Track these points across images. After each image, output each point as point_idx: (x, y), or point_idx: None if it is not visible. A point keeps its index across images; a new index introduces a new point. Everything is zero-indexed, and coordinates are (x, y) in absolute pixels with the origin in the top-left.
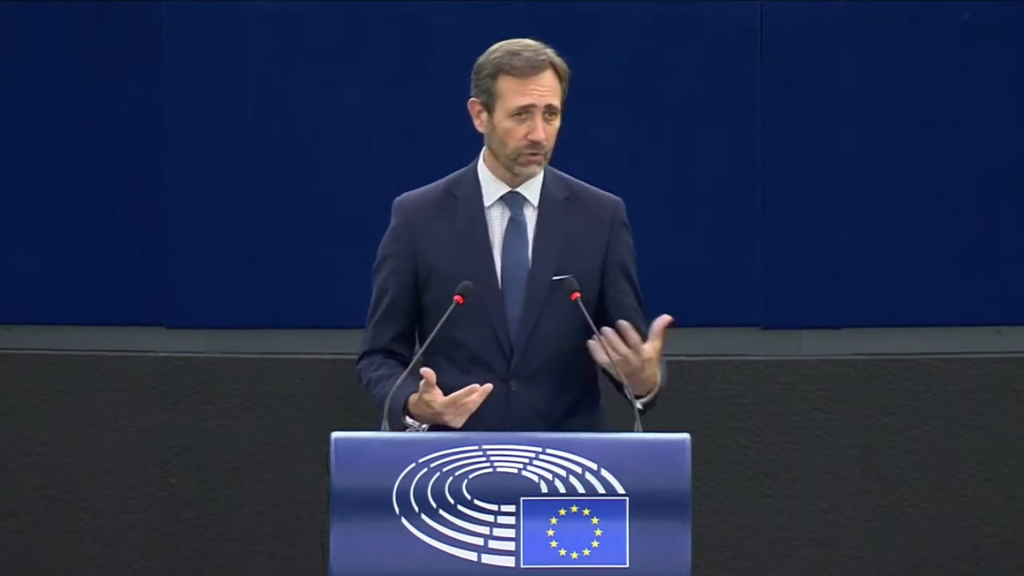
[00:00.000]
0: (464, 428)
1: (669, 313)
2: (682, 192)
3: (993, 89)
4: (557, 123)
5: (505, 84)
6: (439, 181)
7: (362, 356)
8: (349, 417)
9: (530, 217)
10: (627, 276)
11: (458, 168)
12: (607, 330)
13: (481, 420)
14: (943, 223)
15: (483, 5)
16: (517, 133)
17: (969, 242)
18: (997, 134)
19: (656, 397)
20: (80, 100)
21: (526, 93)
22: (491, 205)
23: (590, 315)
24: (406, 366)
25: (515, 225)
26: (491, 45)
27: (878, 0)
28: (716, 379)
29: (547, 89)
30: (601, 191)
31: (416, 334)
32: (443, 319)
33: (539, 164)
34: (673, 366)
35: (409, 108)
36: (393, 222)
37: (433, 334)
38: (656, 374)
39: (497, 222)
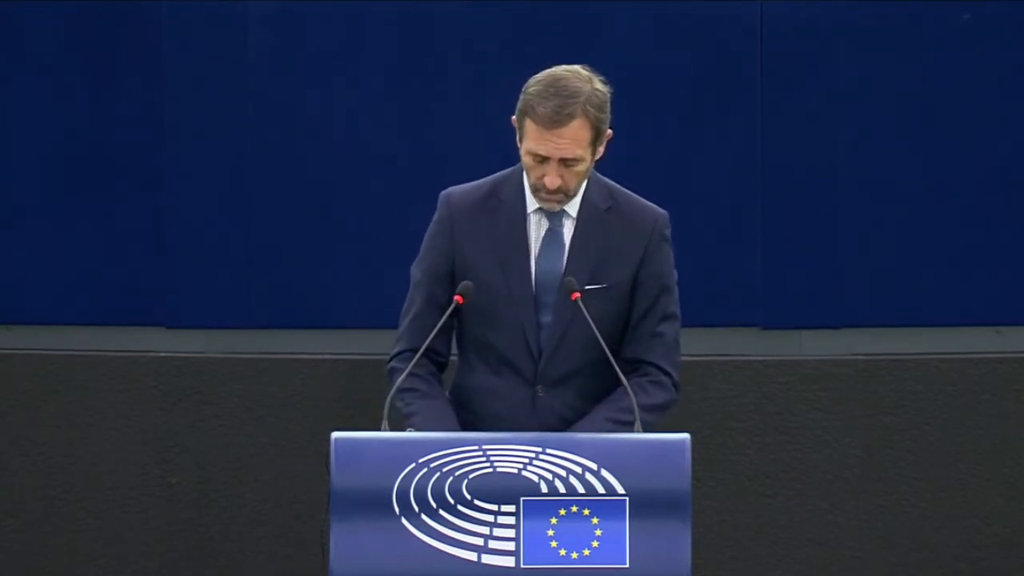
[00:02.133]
0: (492, 432)
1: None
2: (682, 192)
3: (993, 89)
4: (581, 167)
5: (528, 126)
6: (486, 179)
7: (398, 353)
8: (349, 417)
9: (568, 227)
10: (661, 292)
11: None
12: None
13: (508, 424)
14: (943, 223)
15: (483, 5)
16: (535, 172)
17: (969, 242)
18: (997, 134)
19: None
20: (80, 100)
21: (542, 143)
22: (532, 211)
23: (619, 327)
24: (442, 370)
25: (552, 234)
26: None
27: (878, 0)
28: (716, 379)
29: (566, 142)
30: (646, 202)
31: (452, 332)
32: (441, 320)
33: (557, 203)
34: None
35: (409, 108)
36: (437, 215)
37: (430, 338)
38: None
39: (535, 228)
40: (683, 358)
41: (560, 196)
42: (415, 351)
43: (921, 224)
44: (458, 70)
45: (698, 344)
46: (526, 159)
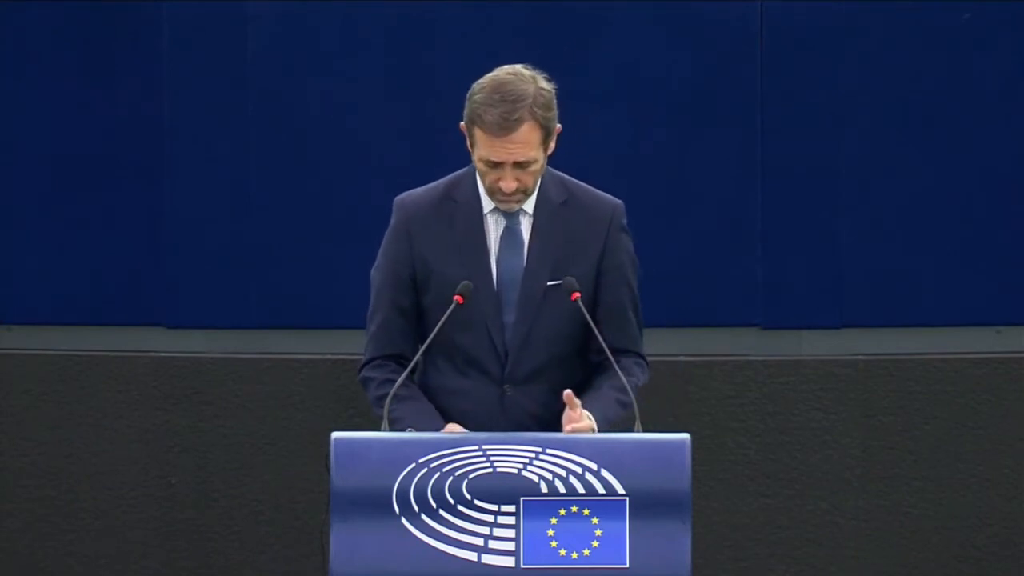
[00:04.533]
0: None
1: (669, 313)
2: (682, 192)
3: (993, 89)
4: (536, 166)
5: (478, 135)
6: (440, 181)
7: (368, 362)
8: (349, 417)
9: (525, 224)
10: (624, 282)
11: (458, 167)
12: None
13: (476, 423)
14: (943, 223)
15: (484, 5)
16: (490, 176)
17: (969, 242)
18: (997, 134)
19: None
20: (80, 100)
21: (494, 151)
22: (489, 211)
23: (583, 319)
24: (412, 373)
25: (510, 232)
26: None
27: (878, 0)
28: (716, 379)
29: (518, 146)
30: (601, 193)
31: (419, 336)
32: (443, 319)
33: (516, 203)
34: (673, 366)
35: (409, 108)
36: (393, 221)
37: (432, 335)
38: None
39: (493, 228)
40: (683, 358)
41: (519, 196)
42: (384, 358)
43: (921, 224)
44: (458, 70)
45: (698, 344)
46: (479, 165)
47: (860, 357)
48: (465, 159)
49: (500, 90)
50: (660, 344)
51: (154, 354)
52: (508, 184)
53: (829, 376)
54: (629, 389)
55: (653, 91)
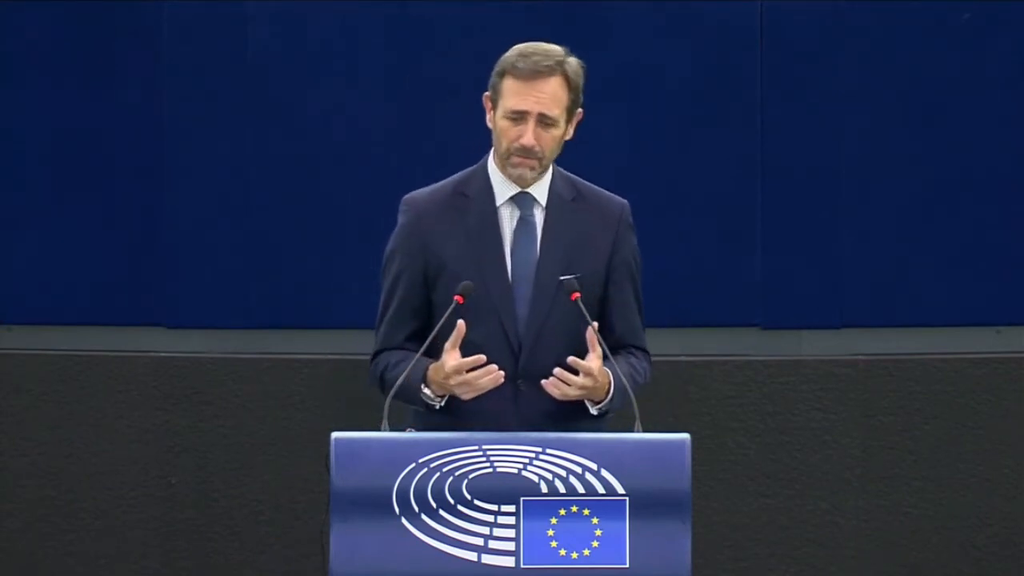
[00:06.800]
0: (474, 427)
1: (669, 313)
2: (682, 192)
3: (993, 89)
4: (556, 131)
5: (507, 84)
6: (447, 180)
7: (376, 354)
8: (349, 417)
9: (539, 216)
10: (631, 279)
11: (459, 167)
12: (557, 370)
13: (489, 418)
14: (943, 223)
15: (484, 5)
16: (510, 134)
17: (969, 242)
18: (997, 134)
19: (613, 400)
20: (80, 100)
21: (522, 98)
22: (502, 204)
23: (592, 315)
24: None
25: (524, 224)
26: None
27: (878, 0)
28: (716, 379)
29: (545, 96)
30: (607, 192)
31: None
32: (442, 320)
33: (530, 168)
34: (673, 366)
35: (409, 108)
36: (402, 219)
37: (432, 336)
38: (606, 384)
39: (507, 221)
40: (683, 358)
41: (534, 162)
42: (391, 349)
43: (921, 224)
44: (458, 69)
45: (698, 344)
46: (502, 124)
47: (860, 357)
48: (465, 159)
49: (533, 46)
50: (660, 344)
51: (154, 354)
52: (528, 138)
53: (829, 376)
54: (641, 371)
55: (653, 91)
